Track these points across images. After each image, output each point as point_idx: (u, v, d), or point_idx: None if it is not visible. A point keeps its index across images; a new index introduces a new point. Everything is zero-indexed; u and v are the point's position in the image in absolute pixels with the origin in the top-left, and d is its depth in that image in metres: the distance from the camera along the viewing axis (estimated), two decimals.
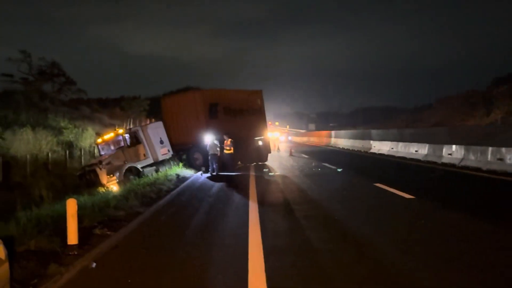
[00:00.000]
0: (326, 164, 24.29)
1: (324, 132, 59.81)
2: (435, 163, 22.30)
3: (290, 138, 69.58)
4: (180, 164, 23.13)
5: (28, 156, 21.29)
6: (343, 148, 41.58)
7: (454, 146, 21.55)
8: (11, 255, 5.72)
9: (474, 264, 6.34)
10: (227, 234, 8.95)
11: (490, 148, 18.60)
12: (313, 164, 25.06)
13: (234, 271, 6.46)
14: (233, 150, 22.80)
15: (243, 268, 6.53)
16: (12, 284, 5.10)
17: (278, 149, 41.64)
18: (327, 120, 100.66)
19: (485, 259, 6.58)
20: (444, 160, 21.76)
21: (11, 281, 4.98)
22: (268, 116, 31.91)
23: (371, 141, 34.52)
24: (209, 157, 21.56)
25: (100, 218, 10.29)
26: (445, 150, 22.17)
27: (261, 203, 12.45)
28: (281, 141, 54.79)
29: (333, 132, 52.38)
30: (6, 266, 4.77)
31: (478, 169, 18.44)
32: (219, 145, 21.97)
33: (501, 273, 5.96)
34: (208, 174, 21.39)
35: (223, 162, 22.58)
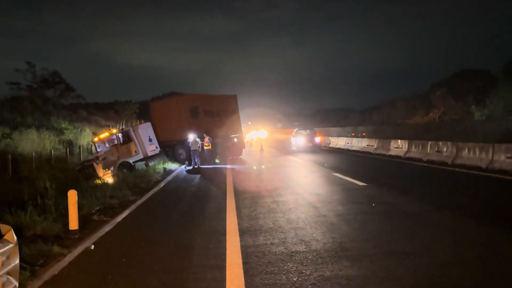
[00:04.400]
0: (290, 157, 24.44)
1: (289, 130, 60.24)
2: (383, 155, 22.69)
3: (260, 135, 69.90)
4: (166, 159, 23.00)
5: (33, 154, 20.92)
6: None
7: (399, 141, 21.98)
8: (20, 239, 5.63)
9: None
10: (208, 217, 8.99)
11: (429, 142, 19.04)
12: (279, 158, 25.19)
13: (214, 247, 6.54)
14: (212, 146, 22.90)
15: (222, 245, 6.63)
16: (21, 264, 5.04)
17: (251, 144, 41.78)
18: (292, 119, 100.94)
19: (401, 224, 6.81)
20: (391, 153, 22.16)
21: (20, 262, 4.93)
22: (242, 116, 31.89)
23: (330, 137, 34.89)
24: (191, 153, 21.53)
25: (97, 206, 10.20)
26: (392, 144, 22.59)
27: (236, 190, 12.55)
28: (258, 137, 54.74)
29: (295, 130, 52.89)
30: (16, 249, 4.72)
31: (419, 160, 18.84)
32: (200, 142, 22.01)
33: (419, 236, 6.18)
34: (191, 167, 21.33)
35: (204, 157, 22.62)
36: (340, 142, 31.66)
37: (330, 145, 32.86)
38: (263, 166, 20.34)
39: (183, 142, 23.09)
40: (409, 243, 6.29)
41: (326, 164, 18.98)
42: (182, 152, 24.06)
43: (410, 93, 60.81)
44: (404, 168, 17.02)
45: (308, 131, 30.36)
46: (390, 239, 6.53)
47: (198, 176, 17.76)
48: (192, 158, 21.54)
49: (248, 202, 10.52)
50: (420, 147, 19.61)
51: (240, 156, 27.39)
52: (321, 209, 9.03)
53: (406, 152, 20.67)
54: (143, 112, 44.11)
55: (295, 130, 32.56)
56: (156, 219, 9.16)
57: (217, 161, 24.00)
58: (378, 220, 7.89)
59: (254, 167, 20.12)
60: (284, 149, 33.19)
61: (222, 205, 10.25)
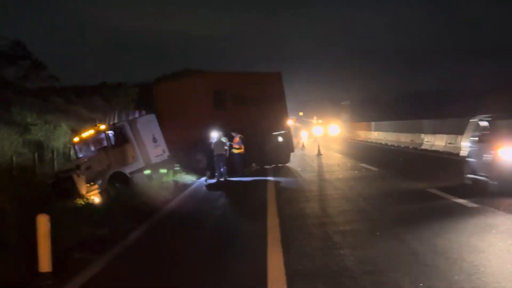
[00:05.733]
0: (365, 165, 24.16)
1: (361, 124, 59.55)
2: None
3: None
4: (178, 168, 23.17)
5: None
6: (386, 144, 41.43)
7: None
8: None
9: None
10: (241, 255, 8.94)
11: None
12: (348, 165, 24.95)
13: None
14: (244, 149, 22.82)
15: None
16: None
17: (303, 146, 41.60)
18: (364, 108, 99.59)
19: None
20: None
21: None
22: (291, 104, 31.81)
23: (422, 135, 34.28)
24: (215, 159, 21.59)
25: (79, 237, 10.32)
26: None
27: (282, 214, 12.49)
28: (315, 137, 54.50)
29: (373, 124, 52.15)
30: None
31: None
32: (227, 143, 21.98)
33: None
34: (214, 180, 21.39)
35: (233, 165, 22.62)
36: (438, 141, 31.09)
37: (423, 147, 32.39)
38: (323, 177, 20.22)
39: (203, 144, 23.15)
40: None
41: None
42: (201, 158, 24.17)
43: None
44: None
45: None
46: None
47: (224, 193, 17.80)
48: (216, 167, 21.59)
49: (300, 231, 10.42)
50: None
51: (287, 164, 27.29)
52: (409, 242, 8.84)
53: None
54: (144, 100, 44.53)
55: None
56: (163, 259, 9.18)
57: (253, 168, 24.03)
58: None
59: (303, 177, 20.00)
60: (354, 150, 32.87)
61: (261, 235, 10.22)
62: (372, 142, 46.46)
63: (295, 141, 33.03)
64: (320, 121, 72.26)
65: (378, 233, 9.95)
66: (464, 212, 11.50)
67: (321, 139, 44.37)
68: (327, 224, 11.16)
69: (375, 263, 7.90)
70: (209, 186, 20.04)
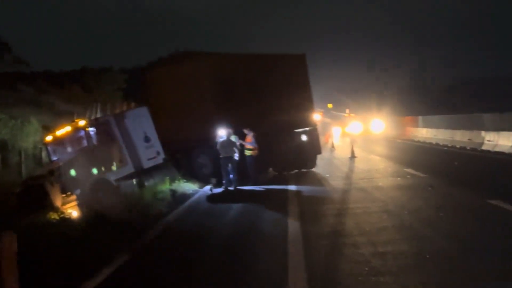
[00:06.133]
0: (410, 171, 24.08)
1: (405, 119, 59.02)
2: None
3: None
4: (176, 174, 23.22)
5: None
6: (437, 144, 41.14)
7: None
8: None
9: None
10: (256, 281, 8.95)
11: None
12: (390, 170, 24.89)
13: None
14: (259, 150, 22.75)
15: None
16: None
17: (333, 146, 41.57)
18: (408, 99, 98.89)
19: None
20: None
21: None
22: (318, 94, 31.72)
23: (483, 132, 33.95)
24: (222, 162, 21.64)
25: (52, 261, 10.36)
26: None
27: (306, 232, 12.51)
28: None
29: (420, 119, 51.76)
30: None
31: None
32: (237, 143, 21.93)
33: None
34: (221, 189, 21.39)
35: (244, 170, 22.63)
36: (502, 141, 30.80)
37: (484, 147, 32.10)
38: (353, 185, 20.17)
39: (208, 144, 23.16)
40: None
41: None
42: (205, 161, 24.20)
43: None
44: None
45: None
46: None
47: (234, 206, 17.79)
48: (223, 173, 21.60)
49: (327, 251, 10.51)
50: None
51: (313, 169, 27.22)
52: (467, 267, 8.81)
53: None
54: (134, 89, 44.62)
55: None
56: None
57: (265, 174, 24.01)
58: None
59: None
60: (397, 152, 32.74)
61: (281, 259, 10.29)
62: (419, 142, 46.13)
63: (322, 140, 32.97)
64: (352, 114, 71.93)
65: (427, 256, 9.93)
66: None
67: (359, 137, 44.10)
68: (363, 244, 11.15)
69: None
70: (215, 197, 20.04)
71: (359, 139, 43.59)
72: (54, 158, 21.34)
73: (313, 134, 27.95)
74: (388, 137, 52.99)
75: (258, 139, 22.77)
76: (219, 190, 21.48)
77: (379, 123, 46.94)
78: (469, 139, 35.25)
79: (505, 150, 29.40)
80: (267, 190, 21.25)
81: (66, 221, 14.57)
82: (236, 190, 21.03)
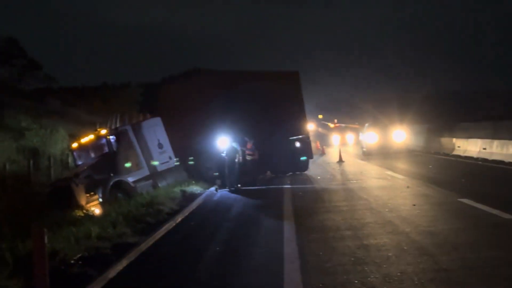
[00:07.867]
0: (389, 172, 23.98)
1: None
2: None
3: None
4: (186, 177, 23.23)
5: None
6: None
7: None
8: None
9: None
10: (255, 268, 8.98)
11: None
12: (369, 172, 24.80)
13: None
14: (258, 155, 22.87)
15: None
16: None
17: (323, 152, 41.60)
18: (387, 108, 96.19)
19: None
20: None
21: None
22: (310, 106, 31.81)
23: (455, 140, 32.48)
24: (226, 166, 21.68)
25: (79, 252, 10.36)
26: None
27: (299, 224, 12.55)
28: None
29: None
30: None
31: None
32: (239, 150, 21.97)
33: None
34: (226, 190, 21.41)
35: (245, 173, 22.64)
36: (471, 147, 29.94)
37: (455, 152, 31.35)
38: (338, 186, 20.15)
39: (213, 150, 23.19)
40: None
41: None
42: (210, 165, 24.21)
43: None
44: None
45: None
46: None
47: (236, 204, 17.80)
48: (227, 176, 21.63)
49: (319, 245, 10.44)
50: None
51: (306, 172, 27.25)
52: (439, 258, 8.82)
53: None
54: (149, 102, 44.72)
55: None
56: (173, 274, 9.24)
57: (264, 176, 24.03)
58: None
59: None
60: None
61: (277, 249, 10.31)
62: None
63: (313, 146, 33.07)
64: (338, 124, 71.43)
65: (404, 247, 9.94)
66: None
67: (377, 149, 37.95)
68: (349, 237, 11.15)
69: (402, 281, 7.90)
70: (220, 196, 20.04)
71: (375, 151, 37.87)
72: (79, 163, 21.40)
73: (306, 141, 28.14)
74: (415, 150, 39.58)
75: (257, 146, 22.90)
76: (223, 191, 21.48)
77: (401, 133, 38.51)
78: None
79: (473, 154, 28.85)
80: (266, 190, 21.25)
81: (89, 217, 14.57)
82: (238, 189, 21.03)
